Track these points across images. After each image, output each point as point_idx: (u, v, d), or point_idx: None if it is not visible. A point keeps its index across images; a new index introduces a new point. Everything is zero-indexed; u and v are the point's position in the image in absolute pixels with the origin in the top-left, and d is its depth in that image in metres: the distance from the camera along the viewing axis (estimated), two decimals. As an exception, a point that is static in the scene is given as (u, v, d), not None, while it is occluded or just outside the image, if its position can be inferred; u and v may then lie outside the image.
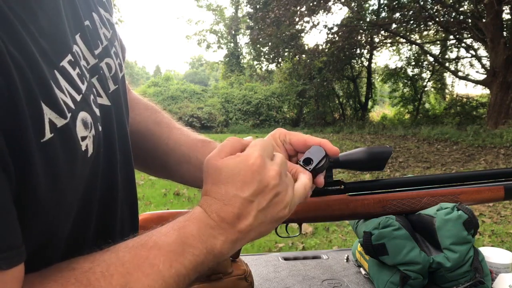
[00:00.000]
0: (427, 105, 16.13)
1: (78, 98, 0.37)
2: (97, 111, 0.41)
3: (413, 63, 15.92)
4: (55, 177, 0.34)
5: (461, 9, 11.70)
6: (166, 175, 0.70)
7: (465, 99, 14.41)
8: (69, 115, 0.35)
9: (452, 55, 15.40)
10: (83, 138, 0.37)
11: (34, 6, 0.35)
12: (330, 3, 12.17)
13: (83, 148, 0.37)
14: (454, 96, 15.47)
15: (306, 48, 13.99)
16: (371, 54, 15.83)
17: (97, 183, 0.42)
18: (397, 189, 0.87)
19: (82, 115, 0.37)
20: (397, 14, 12.63)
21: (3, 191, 0.29)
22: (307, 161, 0.56)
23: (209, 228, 0.41)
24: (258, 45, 14.61)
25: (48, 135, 0.33)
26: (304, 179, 0.52)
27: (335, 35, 13.03)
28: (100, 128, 0.41)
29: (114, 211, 0.48)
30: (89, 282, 0.35)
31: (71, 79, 0.37)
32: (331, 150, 0.58)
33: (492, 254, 0.89)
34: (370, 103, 16.26)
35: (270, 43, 13.51)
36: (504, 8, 10.15)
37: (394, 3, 12.86)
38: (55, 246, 0.38)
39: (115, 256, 0.37)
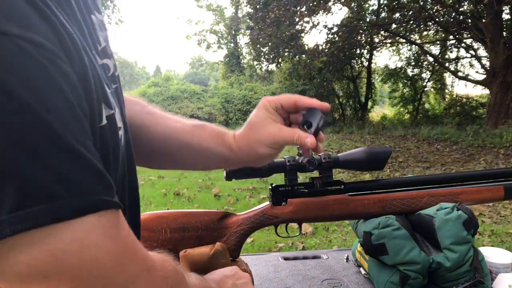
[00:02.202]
0: (427, 105, 16.11)
1: (111, 91, 0.42)
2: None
3: (413, 63, 15.90)
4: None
5: (461, 9, 11.69)
6: (168, 163, 0.72)
7: (465, 99, 14.40)
8: (113, 106, 0.41)
9: (452, 55, 15.40)
10: (119, 128, 0.43)
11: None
12: (330, 3, 12.16)
13: (120, 136, 0.43)
14: (454, 96, 15.45)
15: (306, 48, 13.98)
16: (371, 54, 15.82)
17: (125, 174, 0.47)
18: (397, 189, 0.88)
19: (117, 109, 0.43)
20: (397, 14, 12.61)
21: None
22: (307, 124, 0.60)
23: None
24: (258, 45, 14.59)
25: (104, 120, 0.38)
26: (310, 141, 0.58)
27: (335, 35, 13.01)
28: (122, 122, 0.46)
29: (138, 210, 0.53)
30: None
31: (103, 75, 0.41)
32: (323, 107, 0.61)
33: (492, 254, 0.89)
34: (370, 103, 16.24)
35: (270, 43, 13.49)
36: (504, 8, 10.14)
37: (394, 3, 12.85)
38: None
39: None
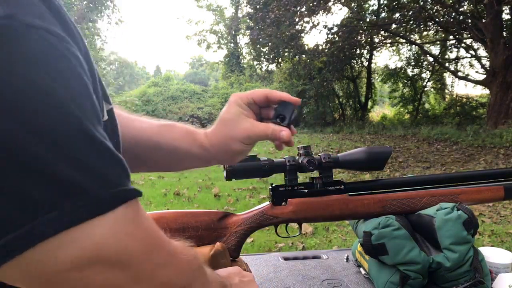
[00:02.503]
0: (427, 105, 16.11)
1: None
2: None
3: (413, 63, 15.91)
4: None
5: (461, 9, 11.68)
6: (139, 166, 0.69)
7: (465, 99, 14.40)
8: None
9: (452, 55, 15.40)
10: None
11: None
12: (330, 3, 12.16)
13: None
14: (454, 96, 15.46)
15: (306, 48, 13.98)
16: (371, 54, 15.82)
17: None
18: (397, 189, 0.88)
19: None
20: (397, 14, 12.61)
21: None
22: (280, 117, 0.60)
23: None
24: (258, 45, 14.59)
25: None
26: (285, 134, 0.59)
27: (335, 35, 13.01)
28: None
29: None
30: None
31: None
32: (294, 101, 0.62)
33: (492, 254, 0.89)
34: (370, 103, 16.24)
35: (270, 43, 13.49)
36: (504, 8, 10.14)
37: (394, 3, 12.85)
38: None
39: None
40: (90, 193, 0.32)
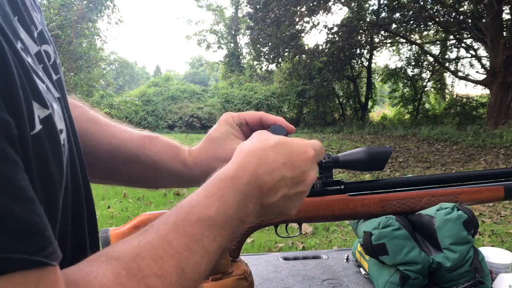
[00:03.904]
0: (427, 105, 16.13)
1: (45, 88, 0.32)
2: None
3: (413, 63, 15.92)
4: (46, 174, 0.30)
5: (461, 9, 11.70)
6: (110, 177, 0.63)
7: (465, 99, 14.41)
8: (48, 104, 0.31)
9: (452, 55, 15.42)
10: (61, 131, 0.33)
11: None
12: (330, 3, 12.18)
13: (62, 142, 0.33)
14: (454, 96, 15.47)
15: (306, 48, 13.99)
16: (371, 54, 15.83)
17: (68, 186, 0.37)
18: (397, 189, 0.87)
19: (55, 106, 0.33)
20: (397, 14, 12.63)
21: (26, 181, 0.26)
22: None
23: (244, 195, 0.41)
24: (258, 45, 14.60)
25: (38, 126, 0.29)
26: None
27: (335, 35, 13.02)
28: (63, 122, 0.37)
29: (82, 213, 0.42)
30: (141, 271, 0.32)
31: (32, 67, 0.31)
32: (288, 128, 0.59)
33: (492, 254, 0.89)
34: (370, 103, 16.25)
35: (270, 43, 13.50)
36: (504, 8, 10.14)
37: (394, 3, 12.86)
38: None
39: (159, 237, 0.35)
40: None
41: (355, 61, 16.09)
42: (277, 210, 0.46)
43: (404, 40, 14.15)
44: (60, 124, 0.33)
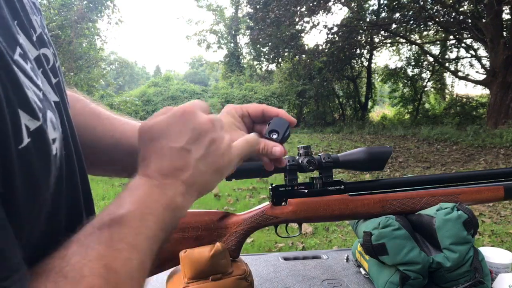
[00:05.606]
0: (427, 105, 16.12)
1: (41, 95, 0.32)
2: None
3: (413, 63, 15.92)
4: (32, 189, 0.30)
5: (461, 9, 11.69)
6: (115, 170, 0.64)
7: (465, 99, 14.41)
8: (40, 115, 0.30)
9: (452, 55, 15.41)
10: (54, 141, 0.33)
11: None
12: (330, 3, 12.18)
13: (54, 152, 0.33)
14: (454, 96, 15.46)
15: (306, 48, 13.99)
16: (371, 54, 15.83)
17: (63, 191, 0.38)
18: (397, 189, 0.88)
19: (49, 114, 0.33)
20: (397, 14, 12.63)
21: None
22: (274, 134, 0.57)
23: (155, 188, 0.40)
24: (258, 45, 14.61)
25: (26, 140, 0.28)
26: (278, 150, 0.55)
27: (335, 35, 13.02)
28: (60, 128, 0.37)
29: (80, 219, 0.42)
30: (71, 276, 0.32)
31: (28, 75, 0.32)
32: (290, 120, 0.58)
33: (492, 254, 0.89)
34: (370, 103, 16.25)
35: (270, 43, 13.51)
36: (504, 8, 10.14)
37: (394, 3, 12.86)
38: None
39: (81, 246, 0.34)
40: None
41: (355, 61, 16.10)
42: (206, 175, 0.43)
43: (404, 40, 14.15)
44: (52, 134, 0.33)
